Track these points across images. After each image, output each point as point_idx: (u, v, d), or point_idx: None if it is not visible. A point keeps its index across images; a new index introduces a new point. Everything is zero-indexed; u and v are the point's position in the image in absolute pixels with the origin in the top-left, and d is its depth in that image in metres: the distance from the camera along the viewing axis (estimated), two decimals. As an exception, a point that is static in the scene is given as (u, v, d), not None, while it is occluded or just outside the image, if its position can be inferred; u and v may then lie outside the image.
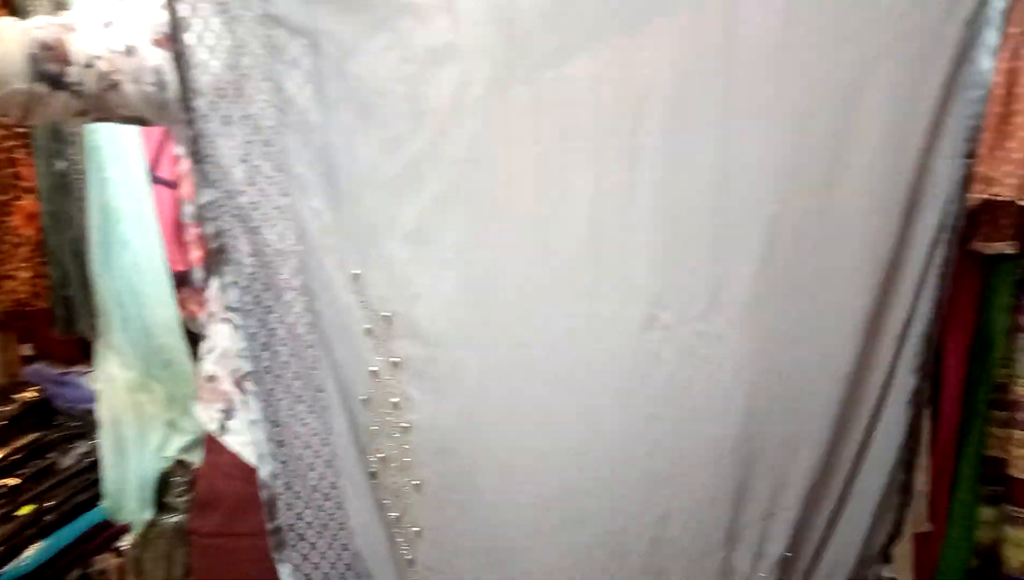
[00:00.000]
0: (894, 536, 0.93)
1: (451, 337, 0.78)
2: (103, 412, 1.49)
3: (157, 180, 1.50)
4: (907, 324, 0.83)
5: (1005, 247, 0.87)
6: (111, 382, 1.52)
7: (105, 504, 1.45)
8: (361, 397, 0.80)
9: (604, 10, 0.75)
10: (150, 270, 1.50)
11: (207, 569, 0.99)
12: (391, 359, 0.78)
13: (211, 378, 0.95)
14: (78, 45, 0.77)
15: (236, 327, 0.80)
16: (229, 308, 0.80)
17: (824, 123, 0.77)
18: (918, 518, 0.99)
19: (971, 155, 0.78)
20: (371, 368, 0.79)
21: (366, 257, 0.77)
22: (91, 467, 1.46)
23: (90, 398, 1.53)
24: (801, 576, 0.88)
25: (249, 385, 0.81)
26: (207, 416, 0.96)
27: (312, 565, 0.86)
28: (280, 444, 0.83)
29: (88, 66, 0.78)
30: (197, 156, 0.76)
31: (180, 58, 0.72)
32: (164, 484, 1.55)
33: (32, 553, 1.31)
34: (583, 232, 0.77)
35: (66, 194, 1.47)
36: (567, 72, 0.76)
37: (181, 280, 1.54)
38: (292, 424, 0.83)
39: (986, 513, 1.03)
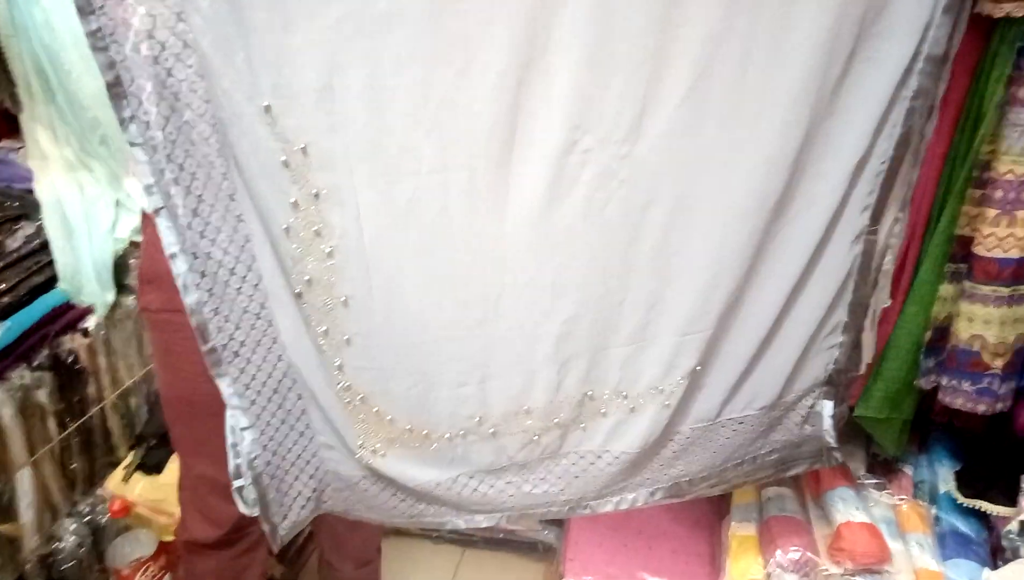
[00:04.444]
0: (842, 374, 0.99)
1: (372, 166, 0.78)
2: (43, 193, 1.46)
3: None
4: (862, 161, 0.82)
5: (1015, 8, 0.82)
6: (46, 160, 1.48)
7: (62, 286, 1.48)
8: (282, 226, 0.81)
9: None
10: (67, 31, 1.38)
11: (162, 342, 1.06)
12: (311, 191, 0.79)
13: None
14: None
15: (140, 163, 0.78)
16: (131, 144, 0.77)
17: None
18: (881, 296, 1.05)
19: None
20: (291, 200, 0.79)
21: (276, 87, 0.74)
22: (41, 249, 1.47)
23: (26, 177, 1.49)
24: (724, 394, 0.96)
25: (162, 220, 0.82)
26: (139, 191, 0.96)
27: (250, 377, 0.93)
28: (202, 274, 0.85)
29: None
30: None
31: None
32: (123, 266, 1.58)
33: (-5, 333, 1.37)
34: (507, 54, 0.74)
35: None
36: None
37: (105, 45, 1.44)
38: (214, 253, 0.85)
39: (946, 290, 1.08)
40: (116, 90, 0.74)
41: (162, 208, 0.81)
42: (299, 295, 0.86)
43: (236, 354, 0.91)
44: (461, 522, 1.08)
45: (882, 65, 0.78)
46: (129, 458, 1.60)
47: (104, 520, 1.58)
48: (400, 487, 1.02)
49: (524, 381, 0.92)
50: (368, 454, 0.98)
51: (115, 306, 1.57)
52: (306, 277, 0.84)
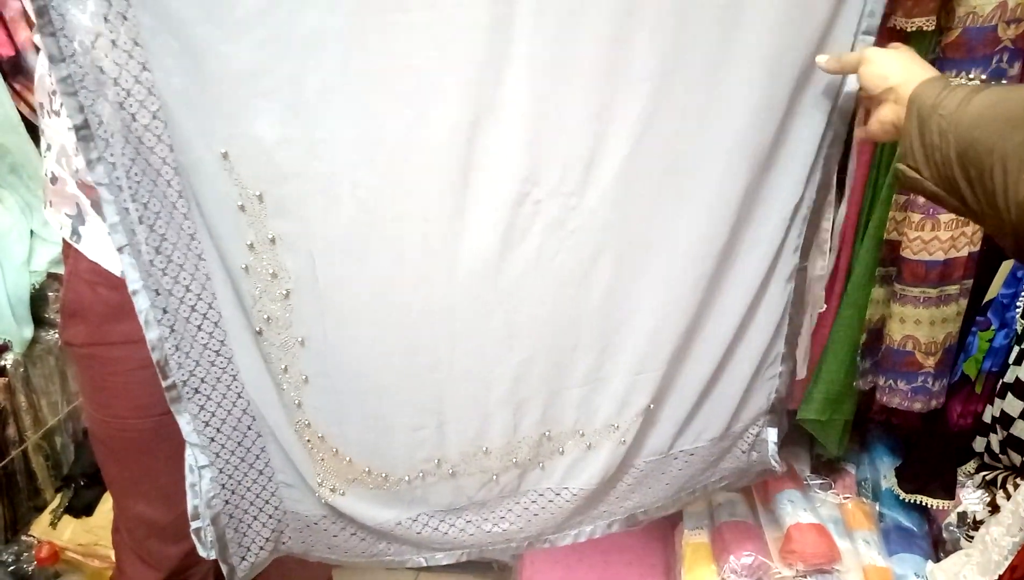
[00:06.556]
0: (783, 401, 1.06)
1: (327, 215, 0.81)
2: (-50, 226, 1.42)
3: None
4: (797, 206, 0.90)
5: (925, 23, 0.88)
6: (-48, 191, 1.43)
7: (-24, 324, 1.43)
8: (241, 265, 0.83)
9: None
10: (-32, 57, 1.34)
11: (90, 377, 1.04)
12: (267, 235, 0.82)
13: (54, 179, 0.92)
14: None
15: (105, 202, 0.81)
16: (98, 184, 0.81)
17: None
18: (815, 301, 1.11)
19: (871, 32, 0.82)
20: (247, 241, 0.82)
21: (232, 136, 0.77)
22: (-49, 286, 1.42)
23: (-69, 210, 1.45)
24: (676, 428, 1.01)
25: (125, 257, 0.84)
26: (57, 221, 0.94)
27: (209, 413, 0.94)
28: (164, 311, 0.87)
29: None
30: (45, 28, 0.73)
31: None
32: (41, 299, 1.54)
33: (-97, 378, 1.31)
34: (458, 109, 0.77)
35: None
36: None
37: (14, 67, 1.39)
38: (176, 290, 0.87)
39: (878, 293, 1.14)
40: (84, 132, 0.78)
41: (126, 245, 0.83)
42: (259, 333, 0.88)
43: (196, 391, 0.92)
44: (422, 560, 1.10)
45: (811, 120, 0.86)
46: (56, 501, 1.55)
47: (31, 569, 1.52)
48: (360, 526, 1.03)
49: (480, 424, 0.94)
50: (328, 493, 0.98)
51: (34, 342, 1.52)
52: (265, 315, 0.86)
